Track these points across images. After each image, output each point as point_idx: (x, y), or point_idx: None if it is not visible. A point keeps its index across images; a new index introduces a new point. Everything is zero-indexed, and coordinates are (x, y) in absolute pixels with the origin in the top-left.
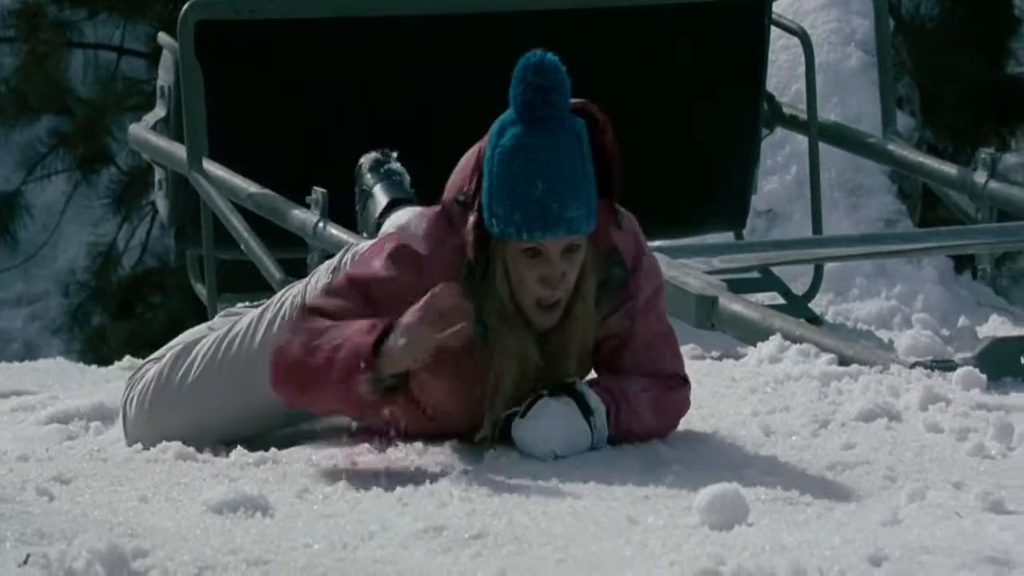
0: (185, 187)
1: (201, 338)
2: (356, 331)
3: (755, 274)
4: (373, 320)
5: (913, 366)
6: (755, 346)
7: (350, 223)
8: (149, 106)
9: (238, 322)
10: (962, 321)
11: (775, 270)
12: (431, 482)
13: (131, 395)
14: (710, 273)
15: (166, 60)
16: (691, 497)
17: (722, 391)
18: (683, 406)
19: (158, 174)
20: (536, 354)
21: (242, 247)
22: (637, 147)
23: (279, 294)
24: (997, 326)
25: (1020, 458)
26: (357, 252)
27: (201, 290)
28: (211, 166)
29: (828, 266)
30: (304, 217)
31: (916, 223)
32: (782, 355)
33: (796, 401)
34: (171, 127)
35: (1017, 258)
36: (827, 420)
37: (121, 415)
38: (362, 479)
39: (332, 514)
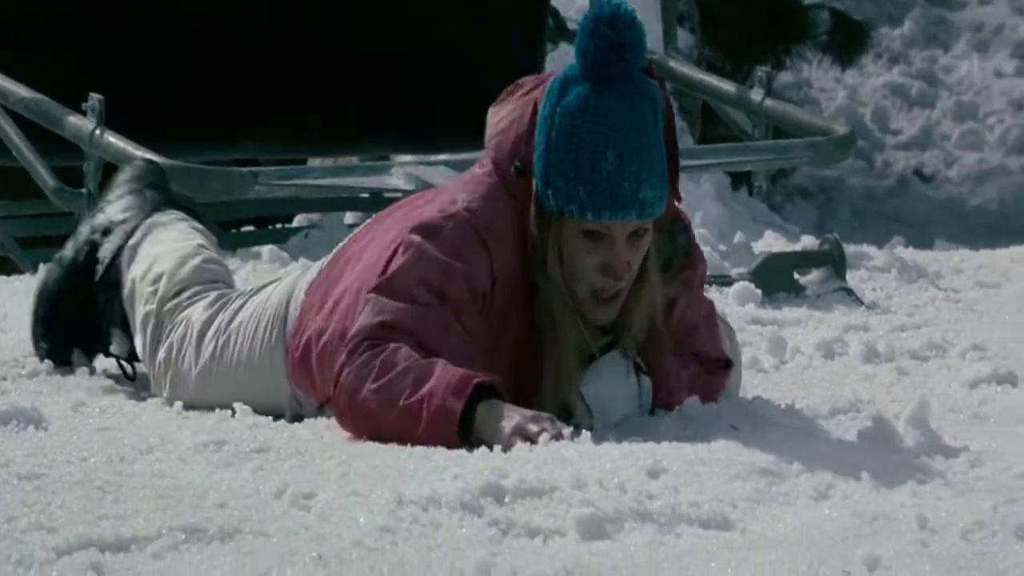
0: None
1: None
2: (442, 386)
3: None
4: (462, 373)
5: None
6: None
7: (129, 131)
8: None
9: (239, 311)
10: (738, 237)
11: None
12: None
13: (158, 355)
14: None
15: None
16: None
17: None
18: (721, 389)
19: None
20: (588, 345)
21: (13, 153)
22: (411, 56)
23: (272, 287)
24: (772, 242)
25: (792, 371)
26: (405, 242)
27: None
28: None
29: None
30: (80, 124)
31: (696, 140)
32: None
33: None
34: None
35: (791, 175)
36: None
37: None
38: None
39: (109, 427)
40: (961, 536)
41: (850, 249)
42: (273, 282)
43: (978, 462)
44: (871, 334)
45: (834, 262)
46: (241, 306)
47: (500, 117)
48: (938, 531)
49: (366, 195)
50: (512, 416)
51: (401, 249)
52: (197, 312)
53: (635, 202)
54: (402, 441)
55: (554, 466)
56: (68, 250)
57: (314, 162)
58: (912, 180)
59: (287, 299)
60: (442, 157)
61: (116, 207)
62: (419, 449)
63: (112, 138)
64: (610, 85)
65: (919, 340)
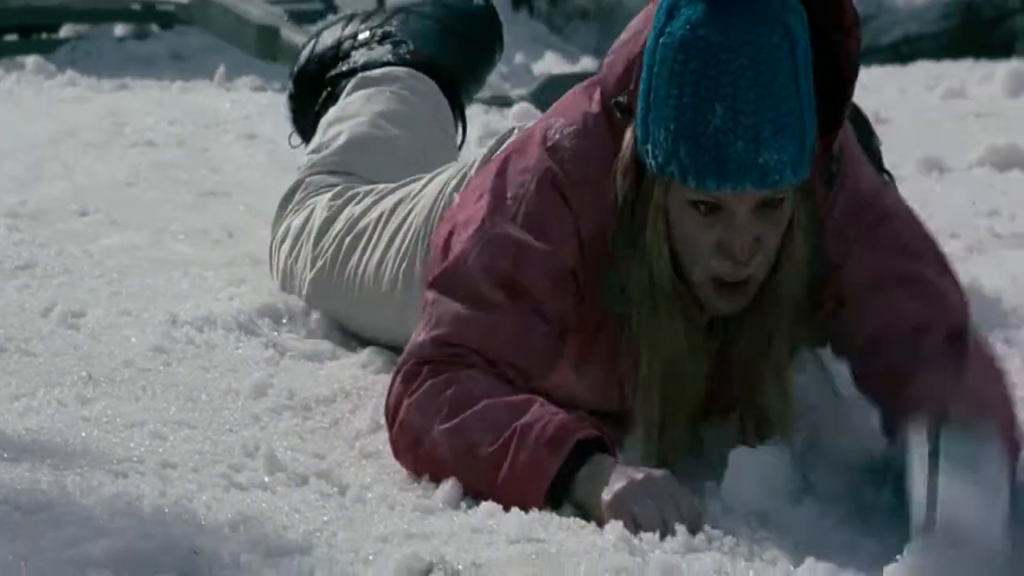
0: None
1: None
2: (534, 435)
3: (318, 5)
4: (561, 419)
5: (472, 102)
6: None
7: None
8: None
9: (371, 209)
10: (519, 58)
11: (338, 1)
12: None
13: (279, 230)
14: (272, 3)
15: None
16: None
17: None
18: (995, 359)
19: None
20: (702, 360)
21: None
22: None
23: (405, 190)
24: (552, 63)
25: None
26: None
27: None
28: None
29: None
30: None
31: None
32: None
33: None
34: None
35: None
36: None
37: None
38: None
39: None
40: None
41: None
42: (414, 180)
43: None
44: None
45: None
46: (374, 203)
47: (633, 23)
48: None
49: (137, 6)
50: (627, 483)
51: (462, 223)
52: (323, 202)
53: (752, 167)
54: (480, 494)
55: None
56: (327, 37)
57: None
58: None
59: (435, 207)
60: None
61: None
62: (194, 269)
63: None
64: (727, 10)
65: None
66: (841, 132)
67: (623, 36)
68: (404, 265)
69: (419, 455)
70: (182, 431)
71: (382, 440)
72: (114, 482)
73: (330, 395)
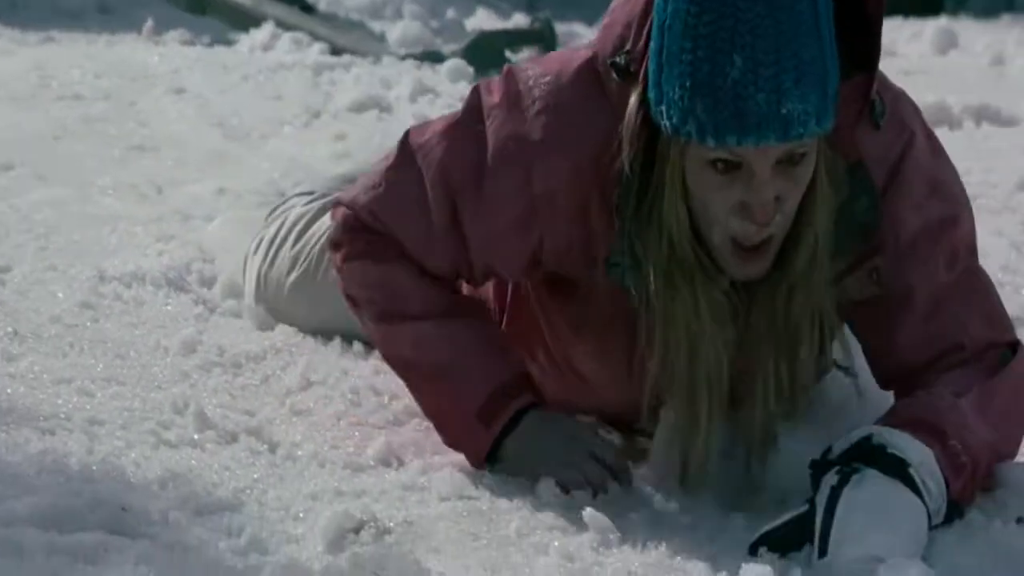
0: None
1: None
2: (461, 408)
3: None
4: (489, 387)
5: (404, 58)
6: (247, 32)
7: None
8: None
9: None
10: (450, 13)
11: None
12: None
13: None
14: None
15: None
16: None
17: (213, 78)
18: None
19: None
20: (729, 330)
21: None
22: None
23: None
24: (483, 19)
25: None
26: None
27: None
28: None
29: None
30: None
31: None
32: (275, 43)
33: (289, 90)
34: None
35: None
36: (319, 111)
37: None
38: None
39: None
40: None
41: (561, 28)
42: None
43: None
44: None
45: (545, 40)
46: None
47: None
48: None
49: None
50: (550, 447)
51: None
52: (298, 206)
53: (774, 119)
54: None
55: None
56: None
57: None
58: None
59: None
60: None
61: None
62: (122, 224)
63: None
64: None
65: None
66: (882, 77)
67: (610, 17)
68: None
69: (352, 303)
70: (110, 388)
71: (313, 398)
72: (41, 439)
73: (260, 352)
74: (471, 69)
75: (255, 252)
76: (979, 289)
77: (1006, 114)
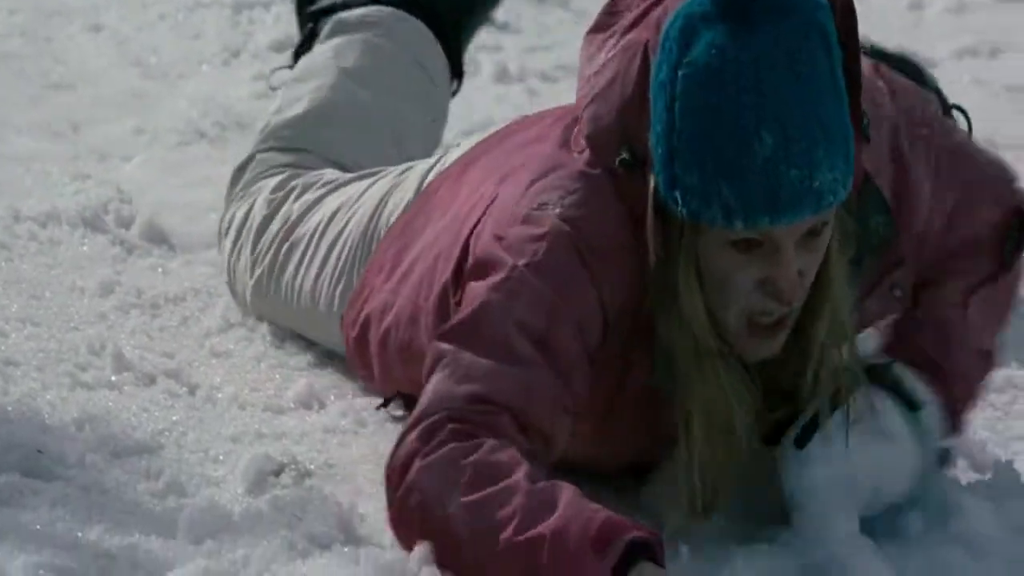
0: None
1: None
2: (576, 530)
3: None
4: (604, 517)
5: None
6: None
7: None
8: None
9: (311, 211)
10: None
11: None
12: None
13: (225, 242)
14: None
15: None
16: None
17: (130, 15)
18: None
19: None
20: (749, 406)
21: None
22: None
23: (356, 189)
24: None
25: None
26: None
27: None
28: None
29: None
30: None
31: None
32: None
33: (207, 29)
34: None
35: None
36: (239, 50)
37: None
38: None
39: None
40: None
41: None
42: (359, 179)
43: None
44: (503, 54)
45: None
46: (315, 202)
47: (597, 66)
48: None
49: None
50: None
51: (482, 264)
52: (265, 193)
53: (807, 195)
54: None
55: None
56: None
57: None
58: None
59: (371, 225)
60: None
61: None
62: (37, 163)
63: None
64: (754, 24)
65: (549, 61)
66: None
67: (598, 84)
68: (341, 286)
69: (427, 522)
70: (26, 328)
71: (232, 339)
72: None
73: (179, 294)
74: None
75: (226, 234)
76: (972, 165)
77: (924, 57)
